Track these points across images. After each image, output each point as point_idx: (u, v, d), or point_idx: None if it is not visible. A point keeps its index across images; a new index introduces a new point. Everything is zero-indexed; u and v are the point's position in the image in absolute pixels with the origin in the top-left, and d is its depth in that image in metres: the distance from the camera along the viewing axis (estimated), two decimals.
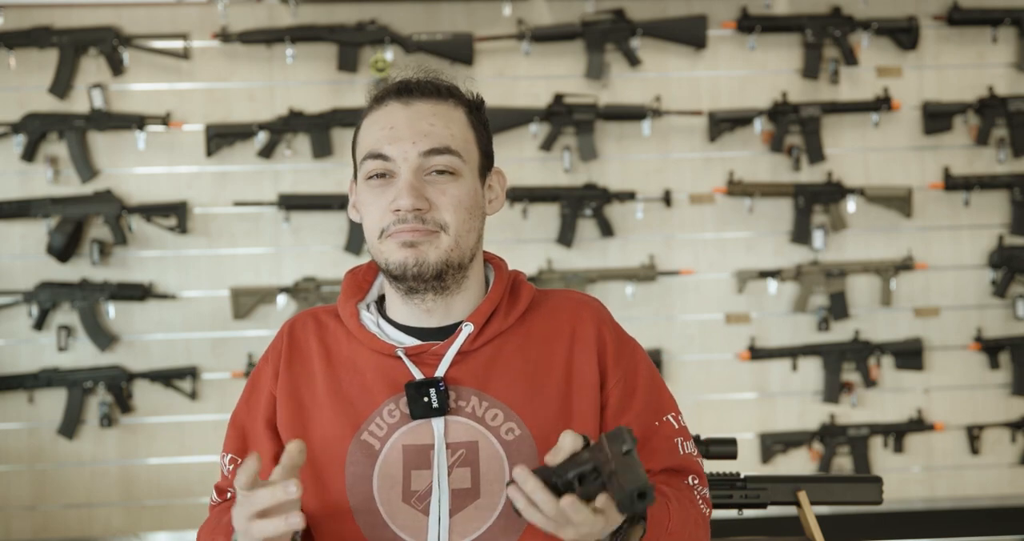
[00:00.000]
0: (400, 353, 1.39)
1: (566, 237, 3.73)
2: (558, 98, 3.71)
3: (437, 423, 1.37)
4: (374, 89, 1.46)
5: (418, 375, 1.38)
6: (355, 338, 1.44)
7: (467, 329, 1.41)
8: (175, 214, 3.64)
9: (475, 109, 1.46)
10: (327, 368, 1.43)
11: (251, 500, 1.20)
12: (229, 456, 1.47)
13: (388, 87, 1.43)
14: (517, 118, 3.69)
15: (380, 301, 1.51)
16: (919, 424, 3.81)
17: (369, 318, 1.46)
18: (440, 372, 1.38)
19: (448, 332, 1.42)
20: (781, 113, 3.77)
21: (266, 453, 1.43)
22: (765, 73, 3.84)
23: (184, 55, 3.69)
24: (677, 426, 1.47)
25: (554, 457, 1.23)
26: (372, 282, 1.51)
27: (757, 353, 3.79)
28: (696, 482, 1.46)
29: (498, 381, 1.40)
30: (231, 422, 1.48)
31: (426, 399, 1.35)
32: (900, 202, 3.78)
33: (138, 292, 3.63)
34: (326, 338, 1.46)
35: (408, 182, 1.36)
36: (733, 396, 3.82)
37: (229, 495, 1.46)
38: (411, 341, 1.42)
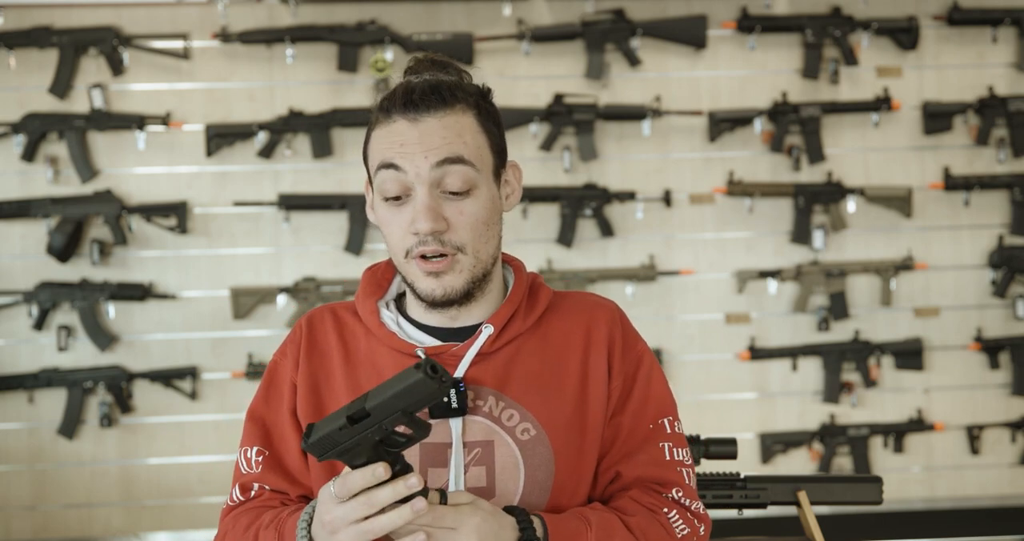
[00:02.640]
0: (420, 353, 1.40)
1: (566, 237, 3.73)
2: (558, 98, 3.71)
3: (455, 422, 1.37)
4: (377, 91, 1.45)
5: None
6: (374, 335, 1.44)
7: (487, 331, 1.41)
8: (175, 214, 3.64)
9: (483, 104, 1.42)
10: (346, 364, 1.44)
11: (369, 500, 1.20)
12: (256, 448, 1.44)
13: (393, 96, 1.39)
14: (517, 118, 3.69)
15: (399, 298, 1.51)
16: (919, 424, 3.82)
17: (389, 316, 1.46)
18: (459, 373, 1.39)
19: (468, 333, 1.43)
20: (781, 113, 3.77)
21: (294, 443, 1.43)
22: (765, 73, 3.84)
23: (184, 55, 3.69)
24: (669, 431, 1.45)
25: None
26: (391, 280, 1.51)
27: (757, 353, 3.79)
28: (680, 495, 1.43)
29: (515, 382, 1.40)
30: (249, 417, 1.47)
31: (445, 399, 1.36)
32: (900, 202, 3.78)
33: (138, 292, 3.63)
34: (344, 334, 1.46)
35: (425, 204, 1.35)
36: (733, 396, 3.82)
37: (254, 492, 1.44)
38: (431, 341, 1.43)
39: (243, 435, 1.47)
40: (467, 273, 1.38)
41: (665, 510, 1.40)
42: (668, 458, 1.43)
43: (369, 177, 1.45)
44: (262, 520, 1.38)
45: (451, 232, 1.36)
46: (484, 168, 1.39)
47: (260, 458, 1.44)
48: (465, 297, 1.40)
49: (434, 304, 1.40)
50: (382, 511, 1.21)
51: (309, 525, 1.29)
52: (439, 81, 1.39)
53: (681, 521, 1.41)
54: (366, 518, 1.21)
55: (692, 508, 1.43)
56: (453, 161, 1.36)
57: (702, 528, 1.43)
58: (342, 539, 1.23)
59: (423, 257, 1.37)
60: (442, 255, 1.37)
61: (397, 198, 1.38)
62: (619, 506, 1.40)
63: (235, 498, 1.45)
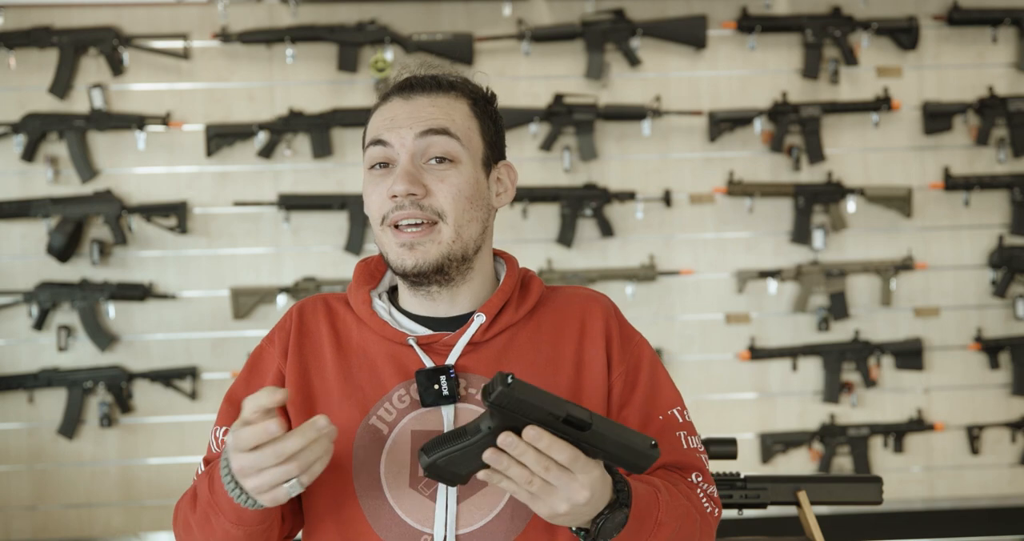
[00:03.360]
0: (411, 342, 1.40)
1: (566, 237, 3.73)
2: (558, 98, 3.71)
3: (447, 410, 1.38)
4: (377, 91, 1.48)
5: (429, 363, 1.39)
6: (365, 325, 1.45)
7: (479, 319, 1.42)
8: (175, 214, 3.64)
9: (481, 101, 1.47)
10: (337, 353, 1.44)
11: (276, 450, 1.19)
12: (223, 429, 1.45)
13: (393, 85, 1.45)
14: (517, 118, 3.69)
15: (391, 291, 1.52)
16: (919, 424, 3.82)
17: (381, 306, 1.47)
18: (451, 361, 1.40)
19: (459, 322, 1.44)
20: (781, 113, 3.77)
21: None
22: (765, 73, 3.84)
23: (184, 55, 3.69)
24: (681, 420, 1.47)
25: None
26: (384, 272, 1.53)
27: (757, 353, 3.79)
28: (700, 479, 1.45)
29: (509, 370, 1.40)
30: (227, 399, 1.48)
31: (436, 386, 1.36)
32: (900, 202, 3.78)
33: (138, 292, 3.63)
34: (336, 324, 1.47)
35: (403, 168, 1.38)
36: (733, 396, 3.82)
37: None
38: (423, 330, 1.44)
39: (218, 415, 1.47)
40: (444, 246, 1.39)
41: (695, 487, 1.44)
42: (685, 446, 1.46)
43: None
44: (199, 478, 1.38)
45: (430, 197, 1.38)
46: (471, 148, 1.42)
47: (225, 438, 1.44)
48: (438, 273, 1.40)
49: (406, 276, 1.41)
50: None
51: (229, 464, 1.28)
52: (439, 73, 1.46)
53: (706, 500, 1.44)
54: (278, 465, 1.19)
55: (708, 491, 1.46)
56: (437, 132, 1.40)
57: (716, 511, 1.46)
58: (257, 482, 1.21)
59: (397, 227, 1.39)
60: (419, 224, 1.38)
61: (384, 165, 1.41)
62: (658, 477, 1.42)
63: (199, 471, 1.46)
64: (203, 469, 1.44)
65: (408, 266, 1.39)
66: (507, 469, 1.20)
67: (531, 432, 1.18)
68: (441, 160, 1.39)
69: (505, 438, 1.18)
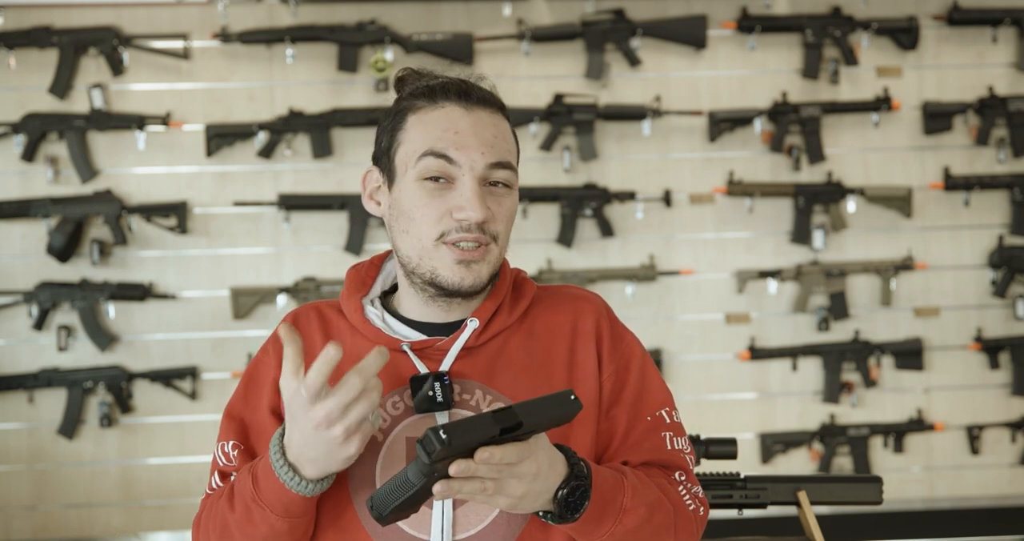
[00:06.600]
0: (405, 348, 1.40)
1: (566, 237, 3.73)
2: (558, 98, 3.71)
3: (441, 417, 1.37)
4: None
5: (423, 369, 1.39)
6: (359, 332, 1.44)
7: (472, 325, 1.41)
8: (175, 214, 3.65)
9: (508, 116, 1.48)
10: None
11: (309, 383, 1.21)
12: (231, 442, 1.44)
13: (444, 85, 1.42)
14: (517, 118, 3.69)
15: (384, 296, 1.52)
16: (919, 424, 3.82)
17: (374, 313, 1.46)
18: (445, 367, 1.39)
19: (452, 327, 1.43)
20: (781, 113, 3.77)
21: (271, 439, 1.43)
22: (765, 73, 3.84)
23: (184, 55, 3.69)
24: (669, 421, 1.46)
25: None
26: (375, 278, 1.52)
27: (757, 353, 3.79)
28: (683, 478, 1.44)
29: (502, 375, 1.40)
30: (226, 415, 1.47)
31: (431, 393, 1.36)
32: (900, 202, 3.78)
33: (138, 292, 3.63)
34: (330, 332, 1.46)
35: (477, 193, 1.36)
36: (733, 396, 3.82)
37: (233, 479, 1.44)
38: (416, 335, 1.43)
39: (220, 431, 1.47)
40: (493, 265, 1.40)
41: (676, 485, 1.43)
42: (670, 447, 1.45)
43: (388, 164, 1.44)
44: (237, 476, 1.38)
45: (490, 222, 1.39)
46: (518, 173, 1.44)
47: (236, 452, 1.43)
48: (483, 290, 1.42)
49: (455, 294, 1.40)
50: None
51: (282, 450, 1.29)
52: (488, 87, 1.46)
53: (688, 497, 1.43)
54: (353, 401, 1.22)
55: (693, 490, 1.45)
56: (503, 166, 1.40)
57: (701, 509, 1.45)
58: (347, 423, 1.23)
59: (455, 245, 1.37)
60: (478, 244, 1.38)
61: (437, 179, 1.38)
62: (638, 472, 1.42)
63: (214, 485, 1.45)
64: (219, 481, 1.44)
65: (465, 285, 1.38)
66: (460, 489, 1.20)
67: (483, 454, 1.18)
68: (499, 184, 1.40)
69: (456, 467, 1.18)
